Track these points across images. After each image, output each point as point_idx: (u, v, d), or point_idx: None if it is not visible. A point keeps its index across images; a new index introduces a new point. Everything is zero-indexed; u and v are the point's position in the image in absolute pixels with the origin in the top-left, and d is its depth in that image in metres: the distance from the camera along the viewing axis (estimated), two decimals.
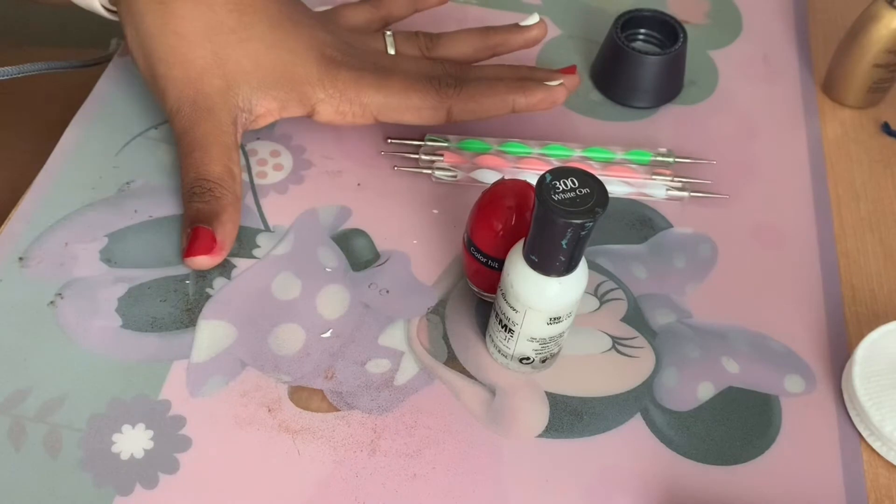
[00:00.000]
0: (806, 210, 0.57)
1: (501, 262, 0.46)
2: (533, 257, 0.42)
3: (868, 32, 0.60)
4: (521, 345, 0.46)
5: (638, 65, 0.60)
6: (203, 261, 0.50)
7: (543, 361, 0.48)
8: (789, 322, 0.52)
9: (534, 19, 0.58)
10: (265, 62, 0.51)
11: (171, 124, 0.52)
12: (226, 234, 0.50)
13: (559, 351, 0.48)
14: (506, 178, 0.49)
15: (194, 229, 0.50)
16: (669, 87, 0.62)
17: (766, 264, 0.55)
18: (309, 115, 0.53)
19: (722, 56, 0.67)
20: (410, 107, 0.53)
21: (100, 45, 0.64)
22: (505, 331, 0.46)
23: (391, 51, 0.56)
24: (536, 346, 0.46)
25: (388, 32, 0.57)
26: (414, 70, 0.54)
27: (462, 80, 0.54)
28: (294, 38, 0.52)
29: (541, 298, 0.43)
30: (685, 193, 0.57)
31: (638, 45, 0.63)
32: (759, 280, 0.54)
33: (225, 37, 0.51)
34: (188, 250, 0.49)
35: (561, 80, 0.54)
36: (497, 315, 0.46)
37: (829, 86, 0.64)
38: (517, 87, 0.54)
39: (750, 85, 0.65)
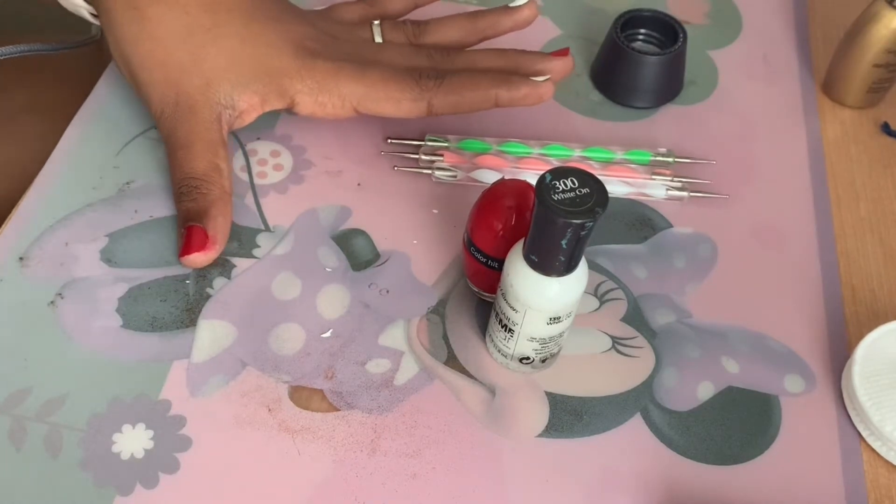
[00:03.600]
0: (806, 210, 0.58)
1: (501, 262, 0.46)
2: (533, 257, 0.42)
3: (868, 32, 0.60)
4: (521, 345, 0.46)
5: (638, 65, 0.60)
6: (198, 258, 0.50)
7: (543, 361, 0.48)
8: (789, 322, 0.52)
9: (522, 0, 0.57)
10: (242, 57, 0.52)
11: (158, 128, 0.53)
12: (216, 228, 0.50)
13: (559, 351, 0.48)
14: (506, 178, 0.49)
15: (187, 228, 0.50)
16: (669, 87, 0.62)
17: (766, 264, 0.55)
18: (290, 107, 0.53)
19: (722, 56, 0.67)
20: (389, 98, 0.52)
21: (84, 32, 0.63)
22: (505, 331, 0.46)
23: (378, 39, 0.56)
24: (536, 345, 0.46)
25: (376, 22, 0.56)
26: (396, 60, 0.54)
27: (444, 71, 0.53)
28: (270, 32, 0.52)
29: (541, 298, 0.43)
30: (685, 193, 0.57)
31: (638, 45, 0.63)
32: (759, 280, 0.54)
33: (201, 36, 0.51)
34: (182, 250, 0.50)
35: (548, 76, 0.53)
36: (497, 315, 0.46)
37: (829, 86, 0.64)
38: (501, 80, 0.53)
39: (750, 85, 0.65)
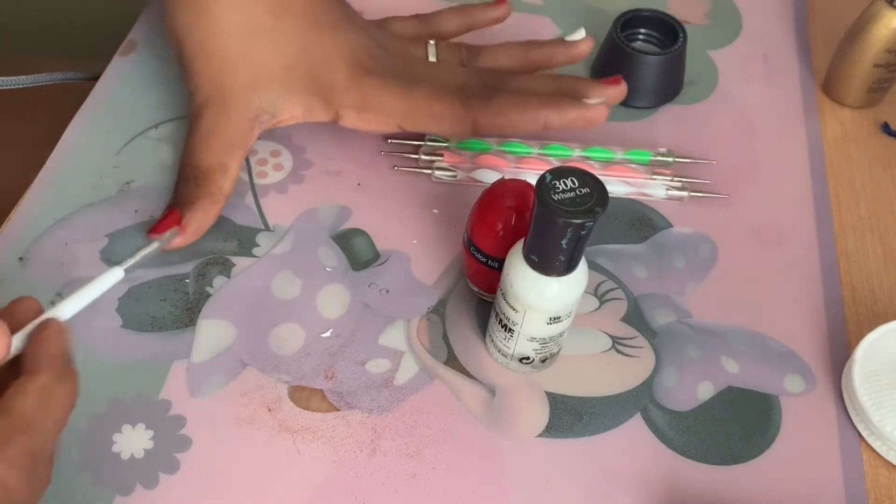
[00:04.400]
0: (806, 210, 0.57)
1: (501, 262, 0.46)
2: (533, 257, 0.42)
3: (868, 32, 0.60)
4: (521, 345, 0.46)
5: (638, 65, 0.60)
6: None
7: (543, 361, 0.48)
8: (789, 322, 0.52)
9: (580, 34, 0.56)
10: (295, 66, 0.51)
11: (189, 103, 0.52)
12: (191, 219, 0.50)
13: (559, 351, 0.48)
14: (506, 178, 0.49)
15: (168, 210, 0.50)
16: (669, 87, 0.62)
17: (766, 264, 0.55)
18: (334, 120, 0.53)
19: (722, 56, 0.67)
20: (433, 116, 0.52)
21: (103, 57, 0.64)
22: (505, 331, 0.46)
23: (432, 58, 0.56)
24: (536, 345, 0.46)
25: (431, 42, 0.56)
26: (444, 79, 0.53)
27: (493, 91, 0.52)
28: (328, 42, 0.52)
29: (540, 298, 0.43)
30: (685, 193, 0.57)
31: (638, 45, 0.63)
32: (759, 280, 0.54)
33: (259, 38, 0.51)
34: (153, 227, 0.50)
35: (602, 99, 0.52)
36: (497, 315, 0.46)
37: (829, 86, 0.64)
38: (551, 102, 0.52)
39: (750, 85, 0.65)
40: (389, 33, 0.57)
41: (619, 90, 0.54)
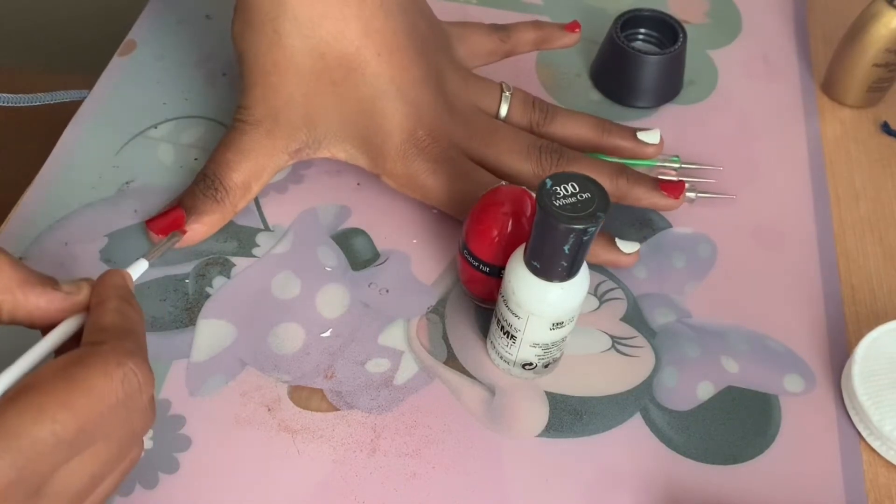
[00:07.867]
0: (805, 210, 0.58)
1: (497, 269, 0.46)
2: (534, 263, 0.42)
3: (868, 32, 0.60)
4: (524, 351, 0.46)
5: (638, 64, 0.60)
6: (155, 238, 0.50)
7: (546, 367, 0.47)
8: (789, 322, 0.52)
9: (654, 138, 0.56)
10: (352, 123, 0.51)
11: (235, 111, 0.52)
12: (196, 230, 0.50)
13: (561, 356, 0.48)
14: (503, 183, 0.49)
15: (175, 208, 0.50)
16: (669, 87, 0.62)
17: (765, 264, 0.55)
18: (375, 175, 0.53)
19: (721, 56, 0.67)
20: (468, 210, 0.50)
21: (102, 57, 0.64)
22: (507, 337, 0.46)
23: (502, 113, 0.55)
24: (539, 351, 0.46)
25: (508, 93, 0.55)
26: (502, 158, 0.53)
27: None
28: (391, 114, 0.51)
29: (543, 304, 0.43)
30: (692, 195, 0.57)
31: (638, 44, 0.63)
32: (759, 280, 0.54)
33: (324, 86, 0.50)
34: (153, 220, 0.50)
35: (637, 247, 0.52)
36: (499, 321, 0.46)
37: (829, 85, 0.64)
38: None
39: (750, 85, 0.65)
40: (469, 53, 0.56)
41: (675, 203, 0.54)
